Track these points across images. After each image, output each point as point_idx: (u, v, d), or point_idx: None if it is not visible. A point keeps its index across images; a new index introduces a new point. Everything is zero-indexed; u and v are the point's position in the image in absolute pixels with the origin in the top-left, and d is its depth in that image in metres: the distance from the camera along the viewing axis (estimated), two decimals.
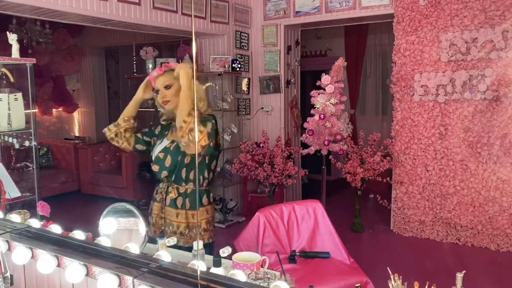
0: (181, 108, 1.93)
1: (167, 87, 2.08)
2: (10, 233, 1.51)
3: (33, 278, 1.46)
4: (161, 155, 2.09)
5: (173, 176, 2.08)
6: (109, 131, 2.15)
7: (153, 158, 2.14)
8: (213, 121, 2.06)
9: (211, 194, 2.18)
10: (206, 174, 2.11)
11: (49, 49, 6.43)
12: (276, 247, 2.83)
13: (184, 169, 2.06)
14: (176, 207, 2.07)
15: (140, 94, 2.17)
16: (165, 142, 2.13)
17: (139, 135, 2.19)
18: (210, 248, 2.13)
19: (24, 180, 3.19)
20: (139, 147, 2.19)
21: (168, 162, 2.06)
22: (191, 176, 2.07)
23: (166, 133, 2.18)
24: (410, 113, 4.49)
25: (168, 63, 2.18)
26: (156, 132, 2.21)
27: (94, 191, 6.37)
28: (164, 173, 2.08)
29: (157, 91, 2.12)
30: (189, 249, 1.92)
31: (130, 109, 2.18)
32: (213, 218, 2.20)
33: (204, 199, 2.13)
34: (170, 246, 1.57)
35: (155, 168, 2.11)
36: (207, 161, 2.09)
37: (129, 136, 2.16)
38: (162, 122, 2.23)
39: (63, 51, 6.71)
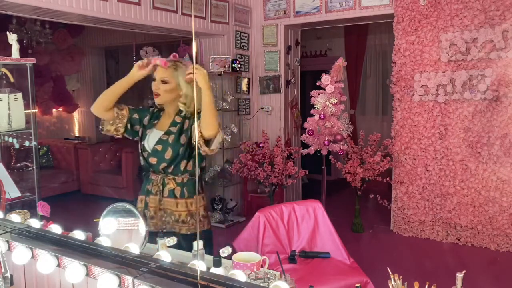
0: (209, 115, 1.93)
1: (164, 82, 2.08)
2: (10, 233, 1.51)
3: (33, 278, 1.46)
4: (159, 147, 2.09)
5: (171, 167, 2.09)
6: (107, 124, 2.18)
7: (147, 149, 2.13)
8: None
9: (203, 182, 2.26)
10: (203, 164, 2.20)
11: (49, 49, 6.43)
12: (276, 247, 2.82)
13: (185, 161, 2.09)
14: (175, 197, 2.10)
15: (135, 73, 2.13)
16: (158, 133, 2.13)
17: (128, 125, 2.17)
18: (210, 234, 2.21)
19: (24, 180, 3.19)
20: (127, 135, 2.21)
21: (168, 154, 2.07)
22: (189, 167, 2.11)
23: (155, 122, 2.17)
24: (410, 113, 4.49)
25: (181, 59, 2.15)
26: (145, 122, 2.19)
27: (94, 191, 6.36)
28: (163, 165, 2.09)
29: (153, 79, 2.12)
30: (193, 235, 2.08)
31: (120, 89, 2.14)
32: (207, 204, 2.30)
33: (200, 187, 2.20)
34: (170, 246, 1.57)
35: (152, 160, 2.11)
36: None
37: (119, 124, 2.17)
38: (153, 109, 2.22)
39: (63, 51, 6.71)
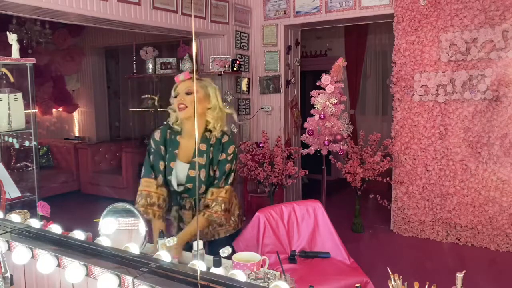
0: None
1: (189, 93, 1.98)
2: (10, 233, 1.51)
3: (33, 278, 1.46)
4: (190, 186, 2.04)
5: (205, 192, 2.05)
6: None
7: (174, 187, 2.05)
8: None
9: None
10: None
11: (49, 49, 6.43)
12: (276, 247, 2.82)
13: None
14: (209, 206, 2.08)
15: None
16: (184, 167, 2.04)
17: (159, 179, 2.06)
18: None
19: (24, 180, 3.19)
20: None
21: (202, 189, 2.03)
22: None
23: (176, 151, 2.05)
24: (410, 113, 4.49)
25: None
26: (163, 152, 2.06)
27: (94, 191, 6.36)
28: (202, 188, 2.03)
29: (175, 96, 2.03)
30: (233, 236, 2.17)
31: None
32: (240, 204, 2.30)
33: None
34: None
35: (184, 196, 2.07)
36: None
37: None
38: (173, 126, 2.10)
39: (63, 51, 6.71)
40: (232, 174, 2.05)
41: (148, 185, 2.03)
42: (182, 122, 2.06)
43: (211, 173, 2.02)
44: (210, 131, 2.04)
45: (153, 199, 2.00)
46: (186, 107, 1.97)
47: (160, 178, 2.06)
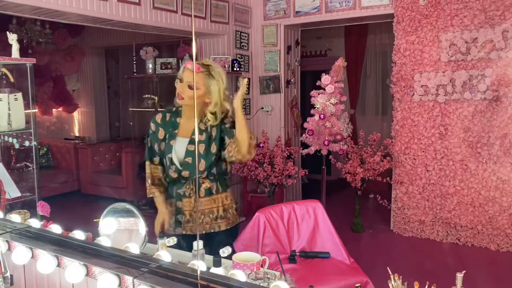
0: (244, 139, 2.02)
1: (191, 87, 2.03)
2: (10, 233, 1.51)
3: (33, 278, 1.45)
4: (189, 160, 2.08)
5: (205, 173, 2.10)
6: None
7: (176, 163, 2.10)
8: None
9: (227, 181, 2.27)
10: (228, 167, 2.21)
11: (49, 49, 6.43)
12: (276, 247, 2.82)
13: (217, 165, 2.12)
14: (211, 194, 2.12)
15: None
16: (183, 141, 2.10)
17: (155, 159, 2.18)
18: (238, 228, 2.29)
19: (24, 180, 3.19)
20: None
21: (202, 166, 2.08)
22: (220, 167, 2.15)
23: (175, 131, 2.12)
24: (410, 113, 4.49)
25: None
26: (160, 136, 2.14)
27: (94, 191, 6.36)
28: (202, 164, 2.09)
29: (180, 79, 2.07)
30: (235, 229, 2.18)
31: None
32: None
33: (225, 185, 2.22)
34: (171, 246, 1.57)
35: (185, 174, 2.09)
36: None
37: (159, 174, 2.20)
38: (163, 115, 2.18)
39: (63, 51, 6.71)
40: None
41: (148, 168, 2.19)
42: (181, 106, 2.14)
43: (212, 150, 2.08)
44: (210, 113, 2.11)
45: (150, 180, 2.17)
46: (183, 98, 2.05)
47: (156, 159, 2.17)
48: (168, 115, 2.16)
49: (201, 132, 2.08)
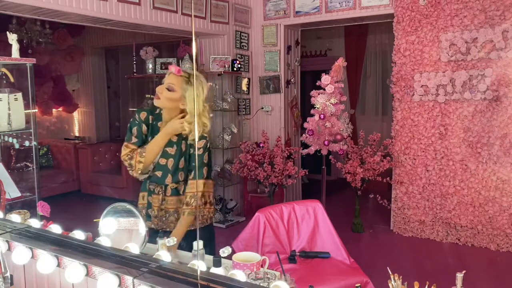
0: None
1: (169, 89, 2.04)
2: (10, 233, 1.51)
3: (33, 278, 1.46)
4: (160, 174, 2.10)
5: (172, 180, 2.12)
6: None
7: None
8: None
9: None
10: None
11: (49, 49, 6.43)
12: (276, 247, 2.82)
13: (184, 175, 2.13)
14: (178, 194, 2.13)
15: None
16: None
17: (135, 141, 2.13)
18: (212, 229, 2.29)
19: (24, 180, 3.19)
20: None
21: (169, 179, 2.10)
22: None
23: (158, 126, 2.13)
24: (410, 113, 4.49)
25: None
26: (145, 132, 2.13)
27: (94, 191, 6.36)
28: (169, 178, 2.10)
29: (162, 82, 2.10)
30: (205, 230, 2.16)
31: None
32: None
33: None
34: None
35: (158, 173, 2.11)
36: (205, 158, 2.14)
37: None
38: (155, 110, 2.17)
39: (63, 51, 6.71)
40: (205, 167, 2.11)
41: (126, 149, 2.11)
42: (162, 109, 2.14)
43: (180, 165, 2.10)
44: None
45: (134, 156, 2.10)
46: (160, 99, 2.05)
47: (136, 142, 2.12)
48: (151, 117, 2.15)
49: (171, 144, 2.10)
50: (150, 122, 2.14)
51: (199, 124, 2.08)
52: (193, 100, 2.05)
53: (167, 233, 2.04)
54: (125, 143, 2.11)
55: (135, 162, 2.06)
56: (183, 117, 2.08)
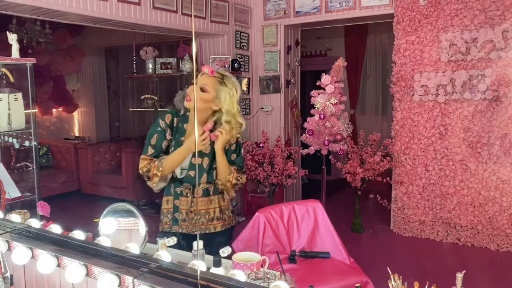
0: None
1: (203, 90, 2.00)
2: (10, 233, 1.51)
3: (33, 278, 1.46)
4: (192, 174, 2.06)
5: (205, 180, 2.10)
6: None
7: (177, 175, 2.08)
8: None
9: None
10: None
11: (49, 49, 6.43)
12: (276, 247, 2.82)
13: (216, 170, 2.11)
14: (208, 195, 2.10)
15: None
16: (189, 154, 2.06)
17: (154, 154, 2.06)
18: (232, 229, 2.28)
19: (24, 180, 3.19)
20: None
21: (204, 179, 2.08)
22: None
23: (181, 138, 2.06)
24: (410, 113, 4.49)
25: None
26: (168, 136, 2.07)
27: (94, 191, 6.36)
28: (204, 177, 2.08)
29: (196, 83, 2.03)
30: (229, 230, 2.17)
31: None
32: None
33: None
34: (171, 246, 1.57)
35: (186, 186, 2.07)
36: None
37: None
38: (182, 111, 2.13)
39: (63, 51, 6.71)
40: (241, 160, 2.14)
41: (144, 162, 2.06)
42: (188, 111, 2.10)
43: (214, 164, 2.07)
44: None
45: (149, 169, 2.05)
46: (191, 100, 2.01)
47: (155, 154, 2.07)
48: (176, 119, 2.10)
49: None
50: (175, 124, 2.09)
51: (235, 124, 2.07)
52: (229, 100, 2.02)
53: (199, 236, 2.06)
54: (142, 156, 2.05)
55: (152, 175, 2.02)
56: (214, 120, 2.06)
